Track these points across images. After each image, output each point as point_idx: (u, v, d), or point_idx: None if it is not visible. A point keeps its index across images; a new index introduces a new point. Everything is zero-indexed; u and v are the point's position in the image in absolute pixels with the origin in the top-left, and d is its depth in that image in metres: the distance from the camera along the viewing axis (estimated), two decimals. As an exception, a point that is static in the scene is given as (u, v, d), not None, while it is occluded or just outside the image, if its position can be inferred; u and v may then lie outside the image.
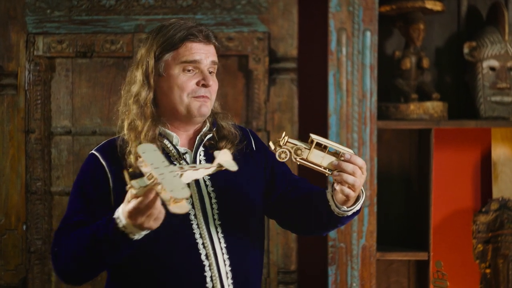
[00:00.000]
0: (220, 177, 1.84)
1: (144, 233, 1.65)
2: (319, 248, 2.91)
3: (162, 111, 1.87)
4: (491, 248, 3.02)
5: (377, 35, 2.77)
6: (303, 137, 2.86)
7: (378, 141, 2.85)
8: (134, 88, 1.86)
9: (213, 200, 1.83)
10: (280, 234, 2.80)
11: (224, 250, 1.81)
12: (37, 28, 2.84)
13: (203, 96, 1.83)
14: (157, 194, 1.53)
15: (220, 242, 1.81)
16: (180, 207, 1.50)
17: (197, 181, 1.83)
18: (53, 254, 1.81)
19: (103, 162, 1.84)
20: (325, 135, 2.80)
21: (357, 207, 1.80)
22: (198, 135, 1.89)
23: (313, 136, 1.70)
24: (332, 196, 1.78)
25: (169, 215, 1.73)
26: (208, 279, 1.78)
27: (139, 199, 1.56)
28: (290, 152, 1.71)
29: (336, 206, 1.78)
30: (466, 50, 2.94)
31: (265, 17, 2.80)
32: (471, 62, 2.95)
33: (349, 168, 1.70)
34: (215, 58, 1.87)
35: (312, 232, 1.99)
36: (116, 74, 2.85)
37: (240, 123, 2.74)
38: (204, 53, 1.83)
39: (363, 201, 1.82)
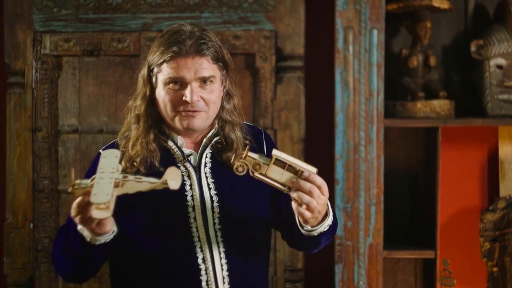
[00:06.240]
0: (224, 180, 1.83)
1: (101, 238, 1.64)
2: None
3: (163, 118, 1.86)
4: (498, 246, 3.02)
5: (384, 33, 2.76)
6: (310, 136, 2.88)
7: (385, 139, 2.85)
8: (136, 96, 1.88)
9: (215, 204, 1.81)
10: (287, 233, 2.80)
11: (223, 255, 1.79)
12: (44, 26, 2.85)
13: (186, 111, 1.78)
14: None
15: (218, 247, 1.79)
16: (100, 214, 1.50)
17: (200, 184, 1.82)
18: (51, 253, 1.85)
19: None
20: (332, 133, 2.80)
21: (321, 228, 1.72)
22: (205, 137, 1.88)
23: (275, 152, 1.65)
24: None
25: (168, 217, 1.75)
26: (203, 283, 1.77)
27: (78, 199, 1.57)
28: (248, 166, 1.67)
29: (300, 224, 1.73)
30: (473, 48, 2.93)
31: (272, 16, 2.80)
32: (478, 60, 2.94)
33: (306, 186, 1.62)
34: (207, 72, 1.77)
35: (301, 247, 1.93)
36: (123, 72, 2.86)
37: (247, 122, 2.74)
38: (188, 69, 1.76)
39: (332, 223, 1.75)
